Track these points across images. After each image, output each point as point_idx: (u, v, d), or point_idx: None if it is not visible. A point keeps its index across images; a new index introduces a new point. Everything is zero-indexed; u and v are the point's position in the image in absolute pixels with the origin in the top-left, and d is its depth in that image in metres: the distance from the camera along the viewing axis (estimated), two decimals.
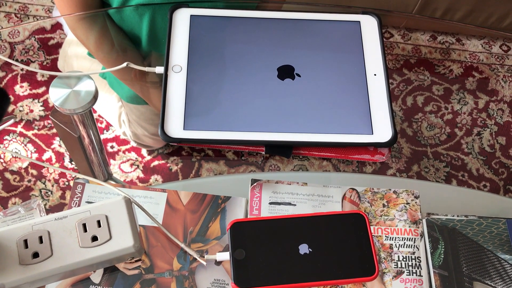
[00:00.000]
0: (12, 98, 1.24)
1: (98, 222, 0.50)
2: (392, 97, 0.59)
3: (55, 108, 0.57)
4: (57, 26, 1.41)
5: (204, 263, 0.54)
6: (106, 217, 0.50)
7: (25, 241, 0.48)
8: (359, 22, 0.64)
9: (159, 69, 0.60)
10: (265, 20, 0.63)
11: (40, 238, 0.48)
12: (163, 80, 0.58)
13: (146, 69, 0.61)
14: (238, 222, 0.52)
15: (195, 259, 0.55)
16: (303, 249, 0.51)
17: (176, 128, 0.55)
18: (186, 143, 0.55)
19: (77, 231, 0.49)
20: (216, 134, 0.55)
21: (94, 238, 0.49)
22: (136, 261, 0.55)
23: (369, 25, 0.64)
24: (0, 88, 0.44)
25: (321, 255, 0.50)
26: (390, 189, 0.62)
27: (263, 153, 0.57)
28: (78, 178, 0.60)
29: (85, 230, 0.49)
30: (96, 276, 0.54)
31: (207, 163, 1.17)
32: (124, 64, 0.60)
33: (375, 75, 0.60)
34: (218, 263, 0.56)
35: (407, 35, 1.51)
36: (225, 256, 0.52)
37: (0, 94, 0.43)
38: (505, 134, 1.32)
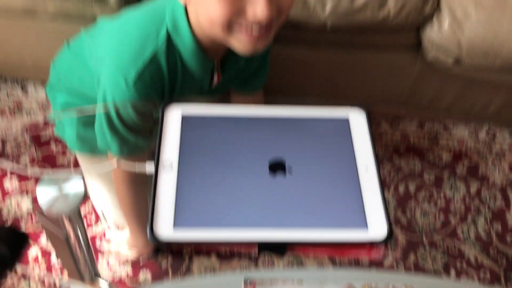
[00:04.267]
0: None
1: None
2: (384, 185, 0.58)
3: (42, 210, 0.56)
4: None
5: None
6: None
7: None
8: (347, 116, 0.65)
9: (150, 167, 0.59)
10: (255, 118, 0.64)
11: None
12: (153, 178, 0.57)
13: (137, 168, 0.60)
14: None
15: None
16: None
17: (165, 228, 0.53)
18: (176, 244, 0.53)
19: None
20: (208, 234, 0.53)
21: None
22: None
23: (357, 119, 0.65)
24: (23, 233, 0.49)
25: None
26: (388, 285, 0.60)
27: (255, 254, 0.55)
28: (63, 281, 0.57)
29: None
30: None
31: (197, 258, 1.14)
32: (115, 165, 0.59)
33: (366, 168, 0.60)
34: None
35: (395, 124, 1.54)
36: None
37: (22, 238, 0.48)
38: (499, 220, 1.31)
